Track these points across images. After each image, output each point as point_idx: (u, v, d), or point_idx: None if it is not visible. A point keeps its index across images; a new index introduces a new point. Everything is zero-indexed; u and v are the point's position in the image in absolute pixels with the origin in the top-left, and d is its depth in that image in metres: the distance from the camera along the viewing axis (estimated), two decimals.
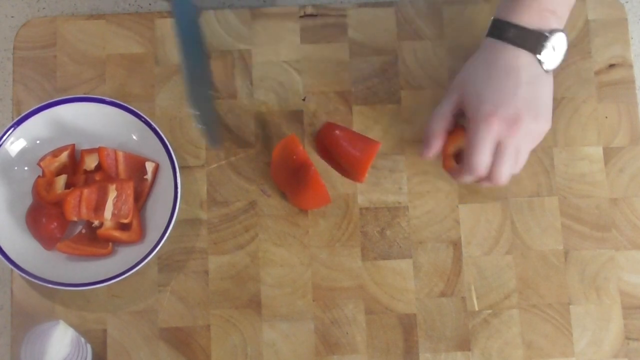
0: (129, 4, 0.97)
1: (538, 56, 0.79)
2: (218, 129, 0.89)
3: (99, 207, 0.85)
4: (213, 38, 0.94)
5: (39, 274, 0.84)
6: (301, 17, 0.95)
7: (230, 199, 0.90)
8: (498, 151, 0.79)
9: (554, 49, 0.80)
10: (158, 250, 0.84)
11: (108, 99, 0.88)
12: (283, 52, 0.94)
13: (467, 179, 0.83)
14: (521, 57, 0.79)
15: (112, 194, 0.85)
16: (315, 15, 0.95)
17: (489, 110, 0.78)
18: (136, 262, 0.84)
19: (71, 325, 0.79)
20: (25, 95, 0.92)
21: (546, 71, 0.80)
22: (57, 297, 0.87)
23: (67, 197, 0.84)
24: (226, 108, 0.92)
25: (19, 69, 0.93)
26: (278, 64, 0.94)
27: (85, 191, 0.85)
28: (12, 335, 0.87)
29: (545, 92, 0.81)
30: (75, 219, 0.85)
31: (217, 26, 0.94)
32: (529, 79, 0.79)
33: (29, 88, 0.92)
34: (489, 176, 0.81)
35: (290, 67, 0.94)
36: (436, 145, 0.84)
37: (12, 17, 0.97)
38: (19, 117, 0.87)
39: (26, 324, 0.86)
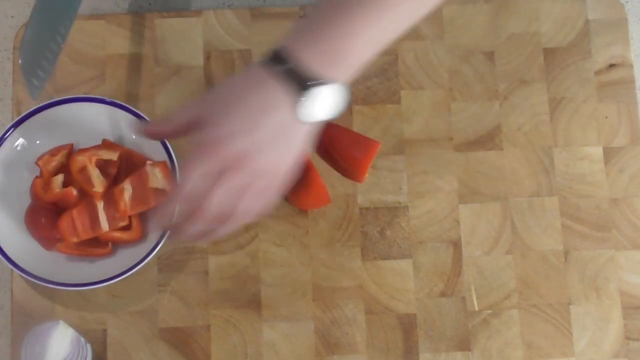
0: (129, 4, 0.97)
1: (302, 102, 0.66)
2: (45, 82, 0.79)
3: (94, 222, 0.85)
4: (213, 38, 0.94)
5: (39, 274, 0.84)
6: (301, 17, 0.95)
7: None
8: (214, 183, 0.66)
9: (321, 101, 0.66)
10: (158, 250, 0.84)
11: (108, 99, 0.88)
12: None
13: (172, 205, 0.68)
14: (284, 97, 0.66)
15: (99, 204, 0.85)
16: None
17: (221, 138, 0.66)
18: (136, 262, 0.84)
19: (71, 325, 0.79)
20: (25, 95, 0.92)
21: (307, 122, 0.67)
22: (57, 297, 0.87)
23: (60, 223, 0.84)
24: None
25: (19, 69, 0.93)
26: None
27: (74, 212, 0.84)
28: (12, 335, 0.87)
29: (294, 142, 0.68)
30: (76, 240, 0.85)
31: (217, 26, 0.94)
32: (279, 124, 0.66)
33: None
34: (200, 207, 0.67)
35: None
36: (158, 132, 0.75)
37: (12, 17, 0.97)
38: (19, 117, 0.87)
39: (26, 324, 0.86)
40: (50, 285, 0.84)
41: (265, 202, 0.70)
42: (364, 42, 0.67)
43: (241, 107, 0.67)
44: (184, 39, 0.94)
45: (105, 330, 0.87)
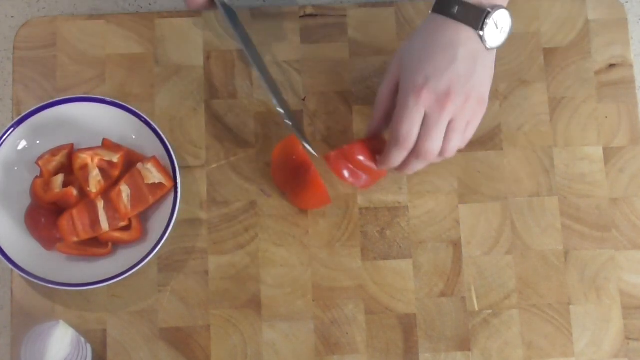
0: (129, 4, 0.97)
1: (480, 32, 0.76)
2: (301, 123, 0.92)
3: (94, 222, 0.85)
4: (213, 38, 0.94)
5: (39, 274, 0.84)
6: (301, 17, 0.95)
7: (230, 199, 0.90)
8: (425, 124, 0.77)
9: (496, 26, 0.77)
10: (158, 250, 0.84)
11: (108, 99, 0.88)
12: (283, 52, 0.94)
13: (395, 155, 0.80)
14: (462, 32, 0.76)
15: (100, 204, 0.85)
16: (315, 15, 0.95)
17: (420, 82, 0.76)
18: (136, 262, 0.84)
19: (71, 325, 0.79)
20: (25, 95, 0.92)
21: (488, 49, 0.78)
22: (57, 297, 0.87)
23: (60, 223, 0.84)
24: (226, 108, 0.92)
25: (19, 69, 0.93)
26: (278, 64, 0.94)
27: (74, 212, 0.84)
28: (12, 335, 0.87)
29: (484, 70, 0.78)
30: (76, 239, 0.85)
31: (217, 26, 0.94)
32: (467, 55, 0.77)
33: (29, 88, 0.92)
34: (416, 150, 0.79)
35: (290, 67, 0.94)
36: (376, 128, 0.85)
37: (12, 17, 0.97)
38: (19, 117, 0.87)
39: (26, 324, 0.86)
40: (50, 285, 0.84)
41: (472, 130, 0.80)
42: None
43: (431, 51, 0.77)
44: (184, 39, 0.94)
45: (105, 330, 0.87)
